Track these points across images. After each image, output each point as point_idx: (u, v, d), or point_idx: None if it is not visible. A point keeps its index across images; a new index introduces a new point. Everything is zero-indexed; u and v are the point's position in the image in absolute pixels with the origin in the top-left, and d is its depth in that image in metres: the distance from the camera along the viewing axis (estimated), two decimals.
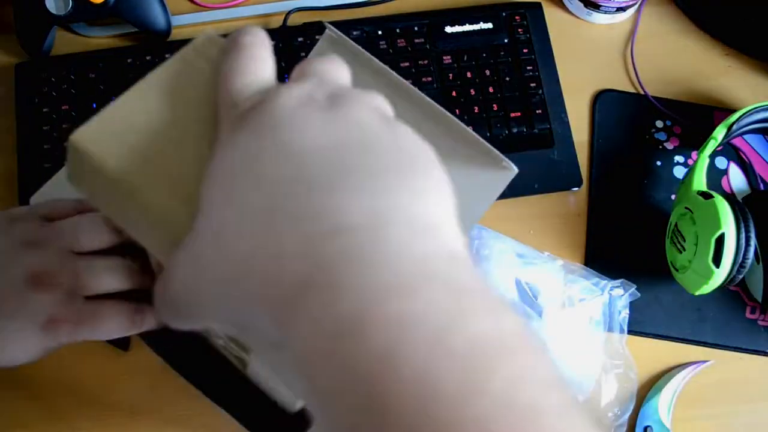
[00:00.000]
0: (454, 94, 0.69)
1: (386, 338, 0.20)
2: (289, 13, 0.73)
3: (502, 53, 0.71)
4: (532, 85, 0.70)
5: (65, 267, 0.37)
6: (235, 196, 0.24)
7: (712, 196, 0.57)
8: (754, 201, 0.63)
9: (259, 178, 0.23)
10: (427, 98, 0.39)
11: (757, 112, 0.64)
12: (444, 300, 0.21)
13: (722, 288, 0.58)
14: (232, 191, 0.24)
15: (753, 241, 0.56)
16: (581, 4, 0.74)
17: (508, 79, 0.70)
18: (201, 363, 0.40)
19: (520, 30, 0.72)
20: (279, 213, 0.23)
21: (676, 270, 0.60)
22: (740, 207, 0.57)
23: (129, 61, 0.69)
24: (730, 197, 0.58)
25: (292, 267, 0.22)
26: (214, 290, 0.24)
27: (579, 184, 0.68)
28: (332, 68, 0.28)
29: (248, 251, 0.23)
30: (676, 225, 0.61)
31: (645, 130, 0.71)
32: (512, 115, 0.69)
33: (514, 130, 0.69)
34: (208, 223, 0.24)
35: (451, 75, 0.70)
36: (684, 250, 0.59)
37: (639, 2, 0.75)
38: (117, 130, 0.29)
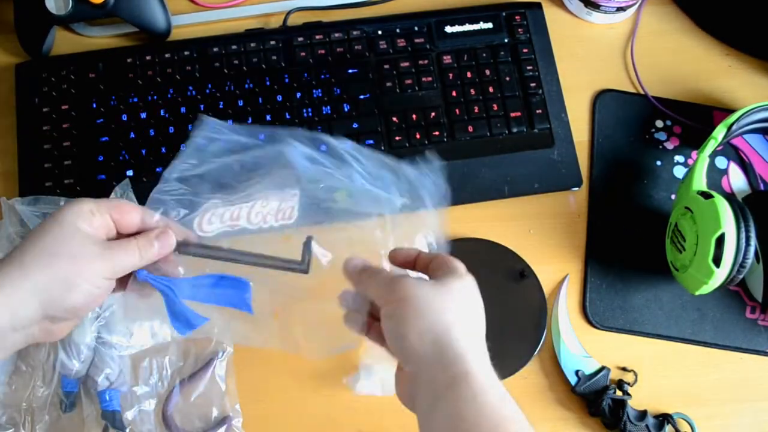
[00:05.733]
0: (454, 94, 0.69)
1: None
2: (289, 13, 0.73)
3: (502, 53, 0.71)
4: (532, 85, 0.70)
5: None
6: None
7: (712, 196, 0.57)
8: (754, 201, 0.63)
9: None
10: None
11: (757, 111, 0.64)
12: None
13: (722, 288, 0.58)
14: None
15: (753, 241, 0.56)
16: (581, 4, 0.74)
17: (508, 79, 0.70)
18: None
19: (520, 30, 0.72)
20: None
21: (676, 270, 0.60)
22: (740, 207, 0.57)
23: (129, 60, 0.69)
24: (730, 197, 0.58)
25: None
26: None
27: (579, 184, 0.68)
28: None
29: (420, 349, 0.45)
30: (676, 225, 0.61)
31: (645, 129, 0.71)
32: (512, 115, 0.69)
33: (515, 130, 0.69)
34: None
35: (451, 75, 0.70)
36: (684, 249, 0.59)
37: (639, 2, 0.75)
38: None
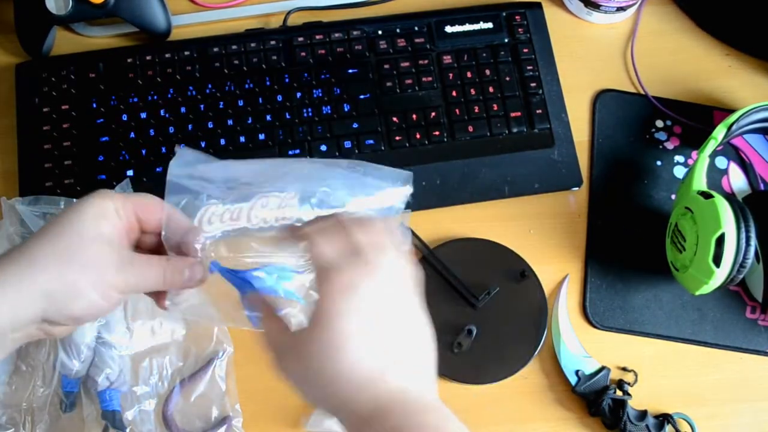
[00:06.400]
0: (454, 94, 0.69)
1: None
2: (289, 12, 0.73)
3: (502, 53, 0.71)
4: (533, 85, 0.70)
5: None
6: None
7: (712, 196, 0.57)
8: (754, 201, 0.63)
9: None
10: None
11: (757, 111, 0.64)
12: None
13: (722, 288, 0.58)
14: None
15: (753, 241, 0.56)
16: (581, 4, 0.74)
17: (508, 79, 0.70)
18: None
19: (520, 30, 0.72)
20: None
21: (677, 270, 0.60)
22: (740, 207, 0.57)
23: (129, 60, 0.69)
24: (730, 197, 0.58)
25: (361, 405, 0.37)
26: (307, 394, 0.39)
27: (579, 184, 0.68)
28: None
29: (335, 390, 0.38)
30: (676, 225, 0.61)
31: (645, 129, 0.71)
32: (512, 115, 0.69)
33: (515, 130, 0.69)
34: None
35: (451, 75, 0.70)
36: (684, 249, 0.59)
37: (639, 2, 0.75)
38: None
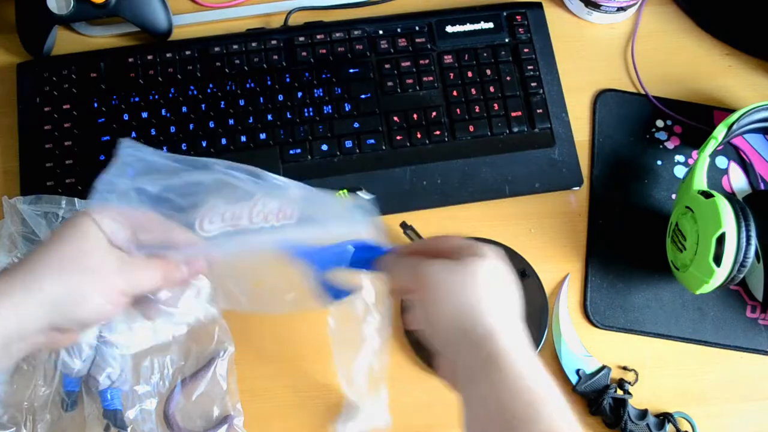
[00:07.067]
0: (455, 93, 0.69)
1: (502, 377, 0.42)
2: (290, 12, 0.73)
3: (503, 53, 0.71)
4: (533, 84, 0.70)
5: None
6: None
7: (712, 196, 0.58)
8: (754, 200, 0.63)
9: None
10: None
11: (758, 111, 0.65)
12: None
13: (723, 287, 0.58)
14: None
15: (754, 240, 0.56)
16: (582, 4, 0.74)
17: (509, 78, 0.70)
18: None
19: (521, 30, 0.72)
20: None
21: (677, 269, 0.61)
22: (741, 206, 0.57)
23: (130, 60, 0.69)
24: (730, 196, 0.58)
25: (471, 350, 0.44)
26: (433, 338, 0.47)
27: (580, 184, 0.68)
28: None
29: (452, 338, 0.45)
30: (676, 224, 0.61)
31: (646, 129, 0.71)
32: (513, 114, 0.69)
33: (515, 130, 0.69)
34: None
35: (452, 74, 0.70)
36: (685, 249, 0.59)
37: (640, 2, 0.75)
38: None
